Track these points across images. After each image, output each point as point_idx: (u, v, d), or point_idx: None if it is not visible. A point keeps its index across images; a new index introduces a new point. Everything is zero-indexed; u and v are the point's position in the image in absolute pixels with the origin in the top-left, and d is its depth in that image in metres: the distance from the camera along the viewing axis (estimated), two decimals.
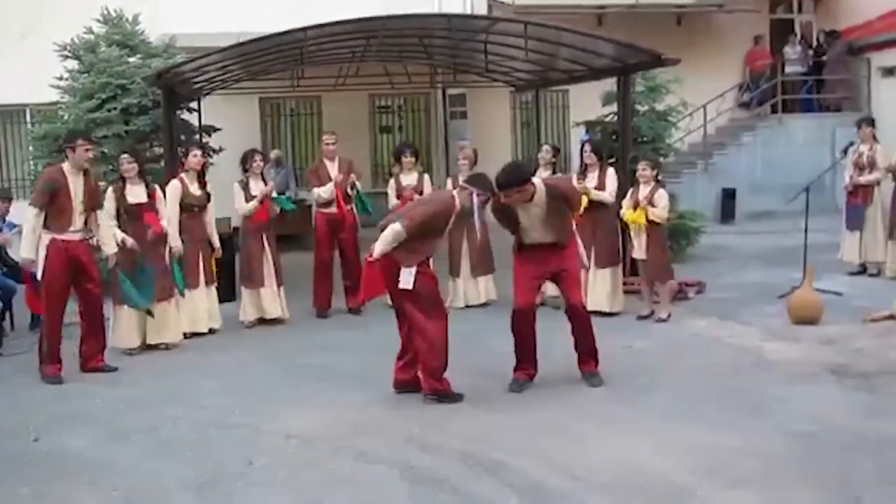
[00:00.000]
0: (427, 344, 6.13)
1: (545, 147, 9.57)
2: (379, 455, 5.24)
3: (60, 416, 6.27)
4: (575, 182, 7.98)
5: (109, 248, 7.55)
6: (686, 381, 6.51)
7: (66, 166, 7.26)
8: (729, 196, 16.12)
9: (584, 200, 8.12)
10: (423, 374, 6.23)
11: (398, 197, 9.49)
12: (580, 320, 6.53)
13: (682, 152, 15.86)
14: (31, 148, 12.12)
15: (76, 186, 7.21)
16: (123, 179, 7.99)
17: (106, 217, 7.65)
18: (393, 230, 6.01)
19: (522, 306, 6.46)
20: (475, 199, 6.15)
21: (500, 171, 6.29)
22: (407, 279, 6.05)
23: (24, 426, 6.02)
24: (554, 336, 6.49)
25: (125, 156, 8.05)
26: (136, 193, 7.95)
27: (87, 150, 7.28)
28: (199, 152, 8.79)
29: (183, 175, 8.60)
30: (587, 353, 6.58)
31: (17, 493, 4.92)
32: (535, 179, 6.46)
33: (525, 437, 5.47)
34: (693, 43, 16.33)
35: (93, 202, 7.40)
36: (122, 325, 7.95)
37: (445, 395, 6.19)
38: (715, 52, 17.16)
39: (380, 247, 6.04)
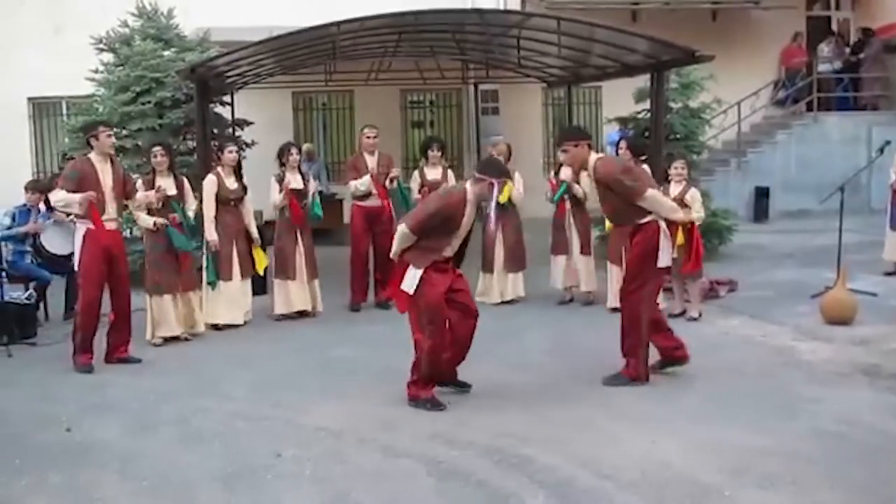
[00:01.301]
0: (418, 352, 6.09)
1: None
2: (406, 449, 5.25)
3: (92, 406, 6.34)
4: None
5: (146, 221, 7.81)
6: (716, 380, 6.45)
7: (93, 156, 7.33)
8: (762, 194, 15.96)
9: None
10: (410, 377, 6.16)
11: (420, 191, 9.52)
12: (621, 316, 6.54)
13: (716, 150, 15.74)
14: (66, 140, 12.25)
15: (105, 174, 7.29)
16: (154, 171, 8.07)
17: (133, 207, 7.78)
18: (400, 231, 6.04)
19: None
20: (496, 190, 6.05)
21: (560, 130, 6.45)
22: (410, 282, 5.99)
23: (57, 415, 6.08)
24: (586, 332, 6.45)
25: (158, 148, 8.13)
26: (165, 185, 8.01)
27: (109, 135, 7.36)
28: (235, 148, 8.87)
29: (219, 170, 8.67)
30: (626, 349, 6.49)
31: (46, 480, 4.98)
32: (593, 155, 6.40)
33: (554, 434, 5.45)
34: (728, 40, 16.16)
35: (126, 190, 7.50)
36: (157, 315, 8.04)
37: (424, 403, 6.06)
38: (750, 49, 17.00)
39: (394, 248, 6.11)
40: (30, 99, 15.95)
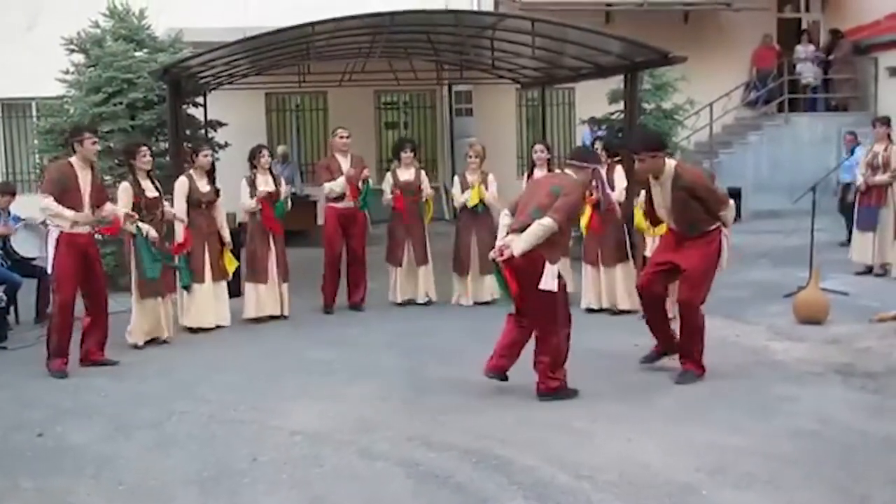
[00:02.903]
0: (554, 349, 6.06)
1: (538, 146, 9.54)
2: (384, 452, 5.23)
3: (65, 410, 6.27)
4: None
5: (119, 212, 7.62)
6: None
7: (74, 160, 7.25)
8: (735, 195, 15.88)
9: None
10: (542, 374, 6.10)
11: (393, 193, 9.51)
12: (682, 319, 6.49)
13: (689, 151, 15.81)
14: (35, 142, 12.12)
15: (85, 180, 7.21)
16: (133, 172, 7.94)
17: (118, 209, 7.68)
18: (543, 226, 5.87)
19: (639, 284, 6.67)
20: (604, 175, 6.10)
21: (634, 135, 6.30)
22: (551, 280, 5.96)
23: (29, 420, 6.01)
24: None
25: (145, 148, 8.02)
26: (149, 187, 7.96)
27: (94, 143, 7.28)
28: (209, 152, 8.82)
29: (191, 172, 8.60)
30: (683, 351, 6.54)
31: (18, 486, 4.91)
32: (669, 160, 6.38)
33: (533, 435, 5.45)
34: (700, 41, 16.30)
35: (100, 197, 7.41)
36: (139, 319, 7.94)
37: (563, 392, 6.11)
38: (722, 51, 17.15)
39: (522, 244, 5.90)
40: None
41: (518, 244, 5.92)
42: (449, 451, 5.20)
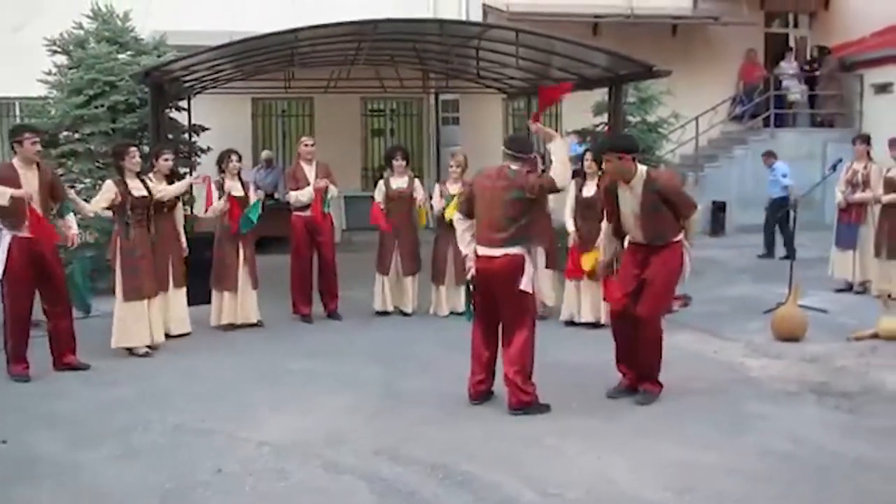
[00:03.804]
0: (524, 355, 6.03)
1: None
2: (349, 465, 5.17)
3: (33, 416, 6.17)
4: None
5: (72, 228, 7.42)
6: (666, 396, 6.40)
7: (16, 161, 7.10)
8: (719, 209, 16.09)
9: None
10: (513, 387, 6.01)
11: (385, 202, 9.43)
12: (641, 334, 6.28)
13: (674, 164, 15.82)
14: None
15: (29, 182, 7.02)
16: (122, 173, 7.80)
17: (85, 206, 7.60)
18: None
19: (611, 312, 6.55)
20: (540, 165, 6.13)
21: (606, 136, 6.25)
22: (528, 281, 5.99)
23: None
24: (538, 346, 6.33)
25: (134, 149, 7.94)
26: (137, 187, 7.85)
27: (33, 142, 7.09)
28: (170, 156, 8.71)
29: (151, 175, 8.43)
30: (642, 371, 6.38)
31: None
32: (641, 166, 6.25)
33: (500, 450, 5.39)
34: (688, 54, 16.34)
35: (53, 195, 7.26)
36: (128, 323, 7.80)
37: (535, 407, 6.04)
38: (709, 64, 17.19)
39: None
40: None
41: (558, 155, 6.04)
42: (415, 465, 5.15)
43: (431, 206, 9.53)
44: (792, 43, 18.88)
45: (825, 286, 10.33)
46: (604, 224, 6.59)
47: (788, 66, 17.70)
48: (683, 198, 6.26)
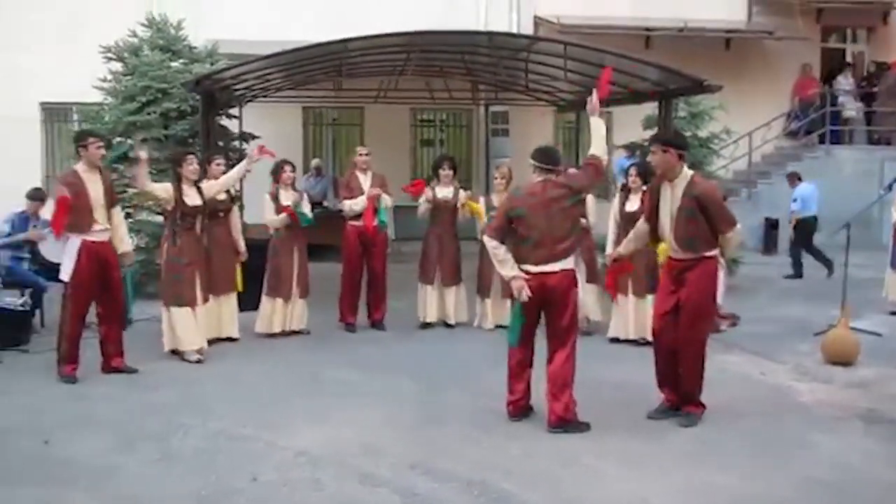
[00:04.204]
0: (571, 371, 6.01)
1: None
2: (385, 478, 5.13)
3: (75, 418, 6.26)
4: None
5: (125, 246, 7.60)
6: (710, 419, 6.26)
7: (80, 166, 7.26)
8: (772, 226, 15.82)
9: None
10: (556, 403, 5.95)
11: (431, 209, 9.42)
12: (684, 358, 6.14)
13: (726, 180, 15.60)
14: (68, 147, 12.25)
15: (94, 186, 7.20)
16: (180, 180, 7.90)
17: (120, 214, 7.68)
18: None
19: (653, 333, 6.43)
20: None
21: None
22: (579, 296, 6.06)
23: (39, 426, 6.00)
24: (583, 363, 6.22)
25: (192, 157, 8.04)
26: (192, 195, 7.94)
27: (98, 146, 7.27)
28: (222, 161, 8.79)
29: (204, 181, 8.54)
30: (686, 395, 6.24)
31: (16, 494, 4.89)
32: (687, 169, 6.12)
33: (538, 469, 5.33)
34: (741, 69, 16.10)
35: (112, 200, 7.41)
36: (174, 329, 7.91)
37: (575, 425, 5.98)
38: (763, 79, 16.92)
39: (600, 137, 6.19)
40: (42, 104, 15.98)
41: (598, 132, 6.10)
42: (451, 481, 5.09)
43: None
44: (849, 58, 18.51)
45: (880, 308, 10.08)
46: (640, 222, 6.49)
47: (845, 82, 17.36)
48: (722, 211, 6.08)
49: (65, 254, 7.23)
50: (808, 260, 13.63)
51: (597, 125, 6.22)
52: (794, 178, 13.87)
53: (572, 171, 6.25)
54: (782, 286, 12.37)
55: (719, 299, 6.31)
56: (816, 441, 5.89)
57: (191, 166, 7.94)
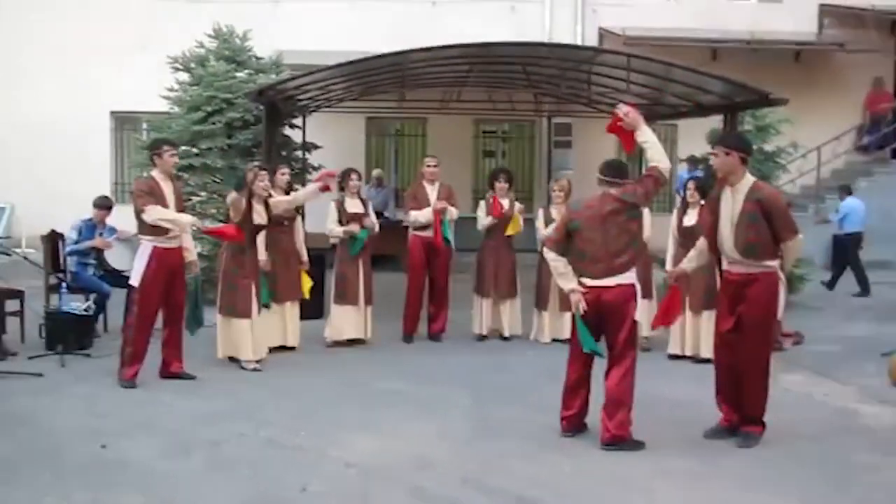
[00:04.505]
0: (631, 389, 5.92)
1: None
2: (434, 493, 5.09)
3: (132, 423, 6.35)
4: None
5: (191, 255, 7.70)
6: (769, 440, 6.08)
7: (156, 173, 7.41)
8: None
9: None
10: (612, 420, 5.84)
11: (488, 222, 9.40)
12: (746, 378, 6.00)
13: (793, 195, 15.25)
14: (137, 156, 12.52)
15: (168, 193, 7.35)
16: (250, 193, 7.83)
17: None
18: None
19: (713, 351, 6.33)
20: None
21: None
22: (638, 311, 5.98)
23: (97, 430, 6.10)
24: (639, 379, 6.11)
25: (265, 173, 8.04)
26: (260, 213, 7.97)
27: (172, 155, 7.41)
28: (286, 170, 8.87)
29: (271, 191, 8.64)
30: (747, 415, 6.08)
31: (70, 498, 4.96)
32: (749, 174, 5.99)
33: (588, 488, 5.24)
34: (811, 81, 15.76)
35: (181, 207, 7.55)
36: (228, 336, 8.01)
37: (629, 444, 5.88)
38: (833, 92, 16.53)
39: (652, 142, 6.03)
40: (112, 113, 16.38)
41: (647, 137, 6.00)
42: (501, 497, 5.03)
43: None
44: None
45: None
46: (700, 239, 6.36)
47: None
48: (786, 217, 5.91)
49: (136, 258, 7.38)
50: (875, 276, 13.30)
51: (644, 135, 6.03)
52: (844, 192, 13.68)
53: (630, 184, 6.15)
54: (850, 304, 12.04)
55: (779, 315, 6.10)
56: (880, 466, 5.68)
57: (262, 182, 7.96)
